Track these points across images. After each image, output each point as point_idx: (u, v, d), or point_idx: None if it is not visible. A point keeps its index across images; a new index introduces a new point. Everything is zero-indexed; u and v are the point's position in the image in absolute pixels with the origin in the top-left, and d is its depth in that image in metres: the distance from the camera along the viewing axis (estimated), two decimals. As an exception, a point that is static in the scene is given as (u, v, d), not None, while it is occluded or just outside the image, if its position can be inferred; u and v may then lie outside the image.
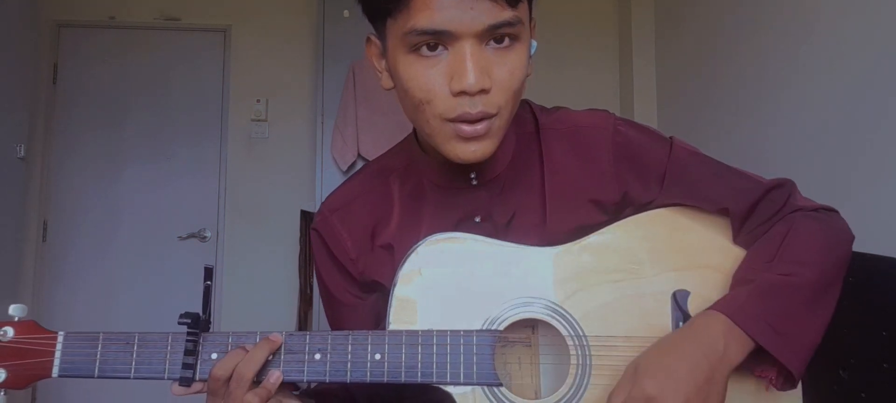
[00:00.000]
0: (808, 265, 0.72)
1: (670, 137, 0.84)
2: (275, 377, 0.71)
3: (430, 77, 0.69)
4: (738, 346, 0.69)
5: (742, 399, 0.73)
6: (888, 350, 0.74)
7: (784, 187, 0.80)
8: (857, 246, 0.79)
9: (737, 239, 0.79)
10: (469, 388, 0.72)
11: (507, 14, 0.68)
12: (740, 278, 0.75)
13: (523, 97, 0.79)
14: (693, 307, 0.76)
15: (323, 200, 0.89)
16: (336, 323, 0.89)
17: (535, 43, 0.77)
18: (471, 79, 0.67)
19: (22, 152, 2.74)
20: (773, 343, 0.68)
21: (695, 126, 2.80)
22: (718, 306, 0.71)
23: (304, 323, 3.04)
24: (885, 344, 0.75)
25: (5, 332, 0.71)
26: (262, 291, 3.22)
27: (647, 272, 0.77)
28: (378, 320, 0.77)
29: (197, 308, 0.74)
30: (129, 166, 3.27)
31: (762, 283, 0.71)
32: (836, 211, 0.80)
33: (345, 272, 0.85)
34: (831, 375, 0.81)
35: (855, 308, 0.78)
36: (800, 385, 0.74)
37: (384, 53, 0.76)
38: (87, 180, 3.24)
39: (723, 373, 0.68)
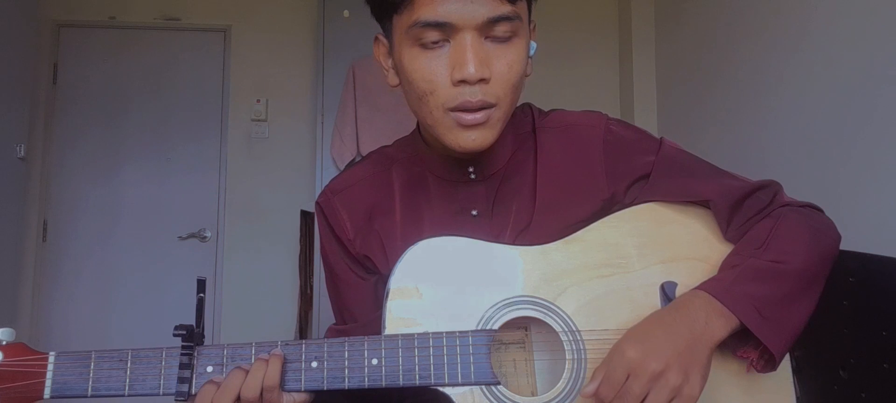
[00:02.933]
0: (794, 255, 0.73)
1: (661, 137, 0.86)
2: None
3: (432, 68, 0.73)
4: (721, 322, 0.69)
5: (725, 379, 0.74)
6: (888, 350, 0.74)
7: (770, 187, 0.82)
8: (857, 246, 0.79)
9: (726, 235, 0.80)
10: (468, 389, 0.72)
11: (505, 8, 0.71)
12: (727, 264, 0.76)
13: (525, 101, 0.81)
14: None
15: (326, 183, 0.92)
16: (338, 301, 0.90)
17: (534, 44, 0.79)
18: (471, 69, 0.70)
19: (22, 152, 2.74)
20: (755, 322, 0.69)
21: (694, 125, 2.80)
22: (703, 286, 0.73)
23: (304, 323, 3.04)
24: (885, 344, 0.75)
25: None
26: (262, 291, 3.22)
27: (635, 265, 0.78)
28: (378, 303, 0.77)
29: (195, 310, 0.73)
30: (129, 166, 3.27)
31: (748, 268, 0.73)
32: (821, 210, 0.82)
33: (345, 249, 0.88)
34: (831, 375, 0.81)
35: (855, 308, 0.79)
36: (788, 372, 0.75)
37: (390, 51, 0.79)
38: (87, 180, 3.24)
39: (705, 345, 0.68)
